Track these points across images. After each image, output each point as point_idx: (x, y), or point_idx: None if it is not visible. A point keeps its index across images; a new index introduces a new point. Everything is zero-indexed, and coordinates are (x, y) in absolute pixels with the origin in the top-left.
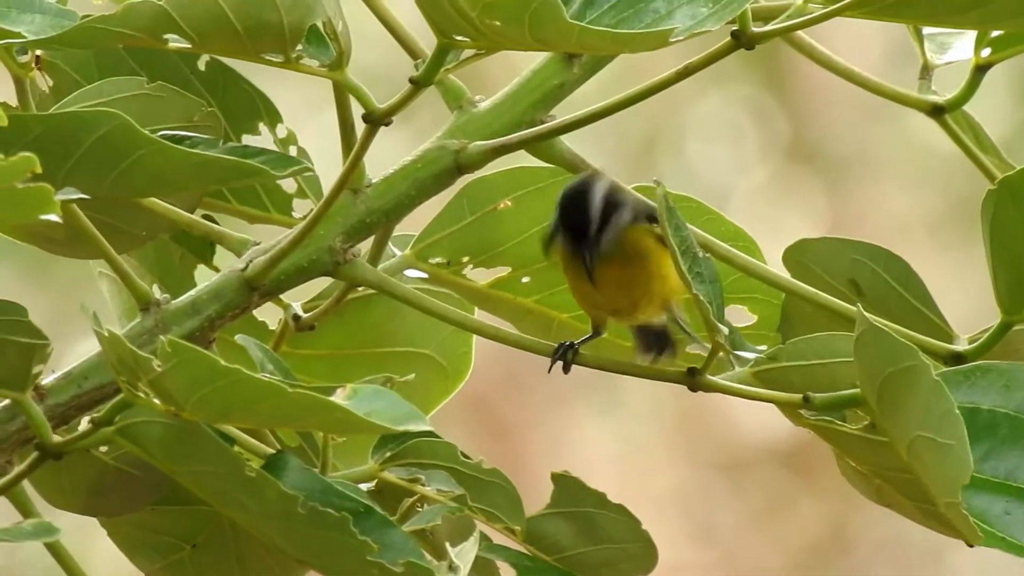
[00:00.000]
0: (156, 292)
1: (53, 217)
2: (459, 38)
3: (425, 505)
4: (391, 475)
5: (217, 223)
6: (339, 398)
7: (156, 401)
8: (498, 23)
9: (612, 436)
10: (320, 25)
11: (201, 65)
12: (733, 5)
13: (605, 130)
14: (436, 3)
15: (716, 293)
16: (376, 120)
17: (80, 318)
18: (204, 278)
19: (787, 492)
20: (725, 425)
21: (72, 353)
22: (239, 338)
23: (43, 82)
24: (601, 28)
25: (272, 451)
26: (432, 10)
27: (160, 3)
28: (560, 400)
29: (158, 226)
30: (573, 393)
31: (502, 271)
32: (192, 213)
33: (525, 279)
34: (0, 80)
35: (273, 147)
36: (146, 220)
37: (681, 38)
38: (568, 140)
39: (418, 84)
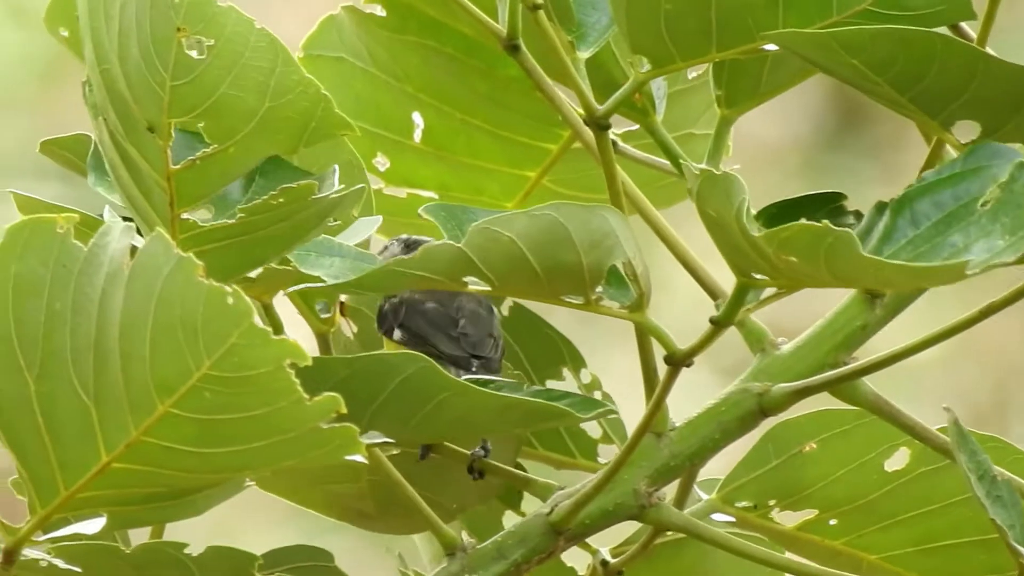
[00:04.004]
0: (464, 536)
1: (358, 458)
2: (757, 276)
3: None
4: None
5: (524, 468)
6: None
7: None
8: (794, 259)
9: None
10: (620, 266)
11: (504, 310)
12: None
13: (947, 390)
14: (733, 241)
15: (1017, 516)
16: (678, 361)
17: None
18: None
19: None
20: None
21: None
22: None
23: (348, 329)
24: (898, 262)
25: None
26: (729, 249)
27: (459, 246)
28: None
29: (472, 497)
30: None
31: (809, 514)
32: (512, 466)
33: (833, 521)
34: (303, 332)
35: (577, 391)
36: (459, 491)
37: (977, 271)
38: (904, 401)
39: (719, 324)
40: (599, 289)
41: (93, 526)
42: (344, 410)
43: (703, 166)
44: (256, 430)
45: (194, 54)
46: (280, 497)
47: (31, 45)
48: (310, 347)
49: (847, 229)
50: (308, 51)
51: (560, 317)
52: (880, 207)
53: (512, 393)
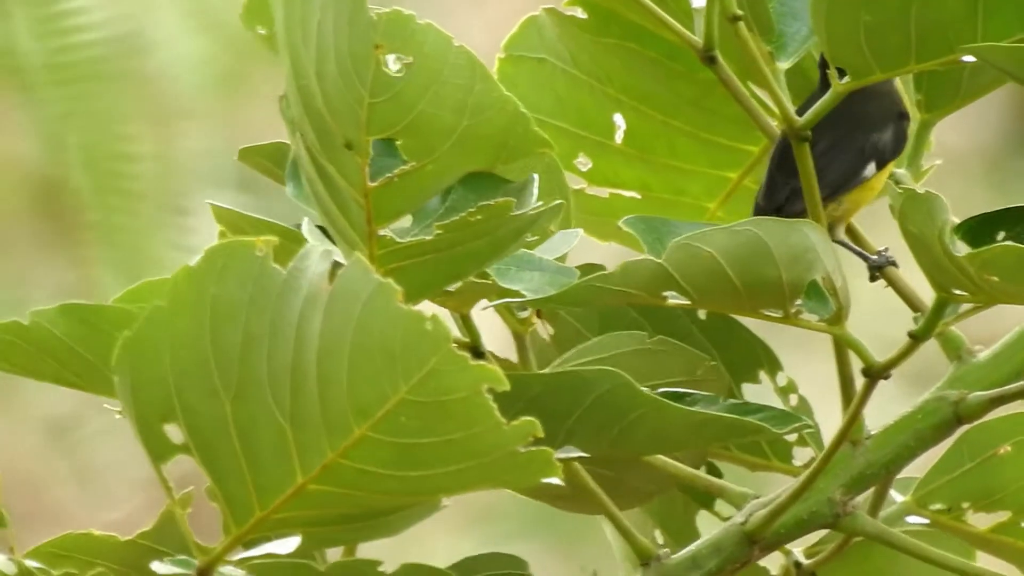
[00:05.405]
0: (658, 539)
1: (555, 480)
2: (957, 292)
3: None
4: None
5: (718, 470)
6: None
7: None
8: (996, 279)
9: None
10: (819, 280)
11: (702, 315)
12: None
13: None
14: (935, 260)
15: None
16: (875, 374)
17: None
18: (706, 524)
19: None
20: None
21: None
22: None
23: (544, 331)
24: None
25: None
26: (931, 265)
27: (659, 262)
28: None
29: (663, 482)
30: None
31: (1002, 515)
32: (698, 468)
33: None
34: (501, 333)
35: (773, 397)
36: (651, 475)
37: None
38: None
39: (917, 338)
40: (798, 303)
41: (287, 546)
42: (541, 434)
43: (906, 183)
44: (453, 454)
45: (392, 71)
46: None
47: (209, 51)
48: (508, 345)
49: None
50: (510, 51)
51: (748, 321)
52: None
53: (707, 409)
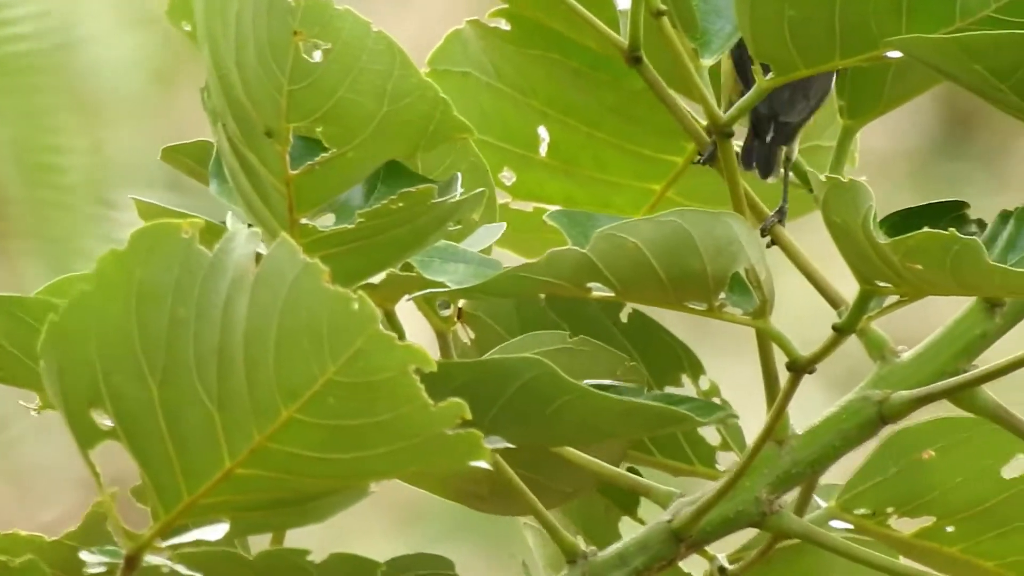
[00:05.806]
0: (581, 544)
1: (483, 464)
2: (881, 284)
3: None
4: None
5: (642, 476)
6: None
7: None
8: (920, 267)
9: None
10: (743, 273)
11: (623, 317)
12: None
13: None
14: (859, 249)
15: None
16: (800, 368)
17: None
18: (628, 530)
19: None
20: None
21: None
22: None
23: (464, 335)
24: (1022, 270)
25: None
26: (855, 256)
27: (584, 251)
28: None
29: (584, 482)
30: None
31: (926, 520)
32: (617, 466)
33: (950, 528)
34: (424, 333)
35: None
36: (572, 476)
37: None
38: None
39: (841, 331)
40: (722, 296)
41: (215, 532)
42: (469, 415)
43: (829, 174)
44: (380, 436)
45: (311, 58)
46: (396, 479)
47: (141, 47)
48: (430, 346)
49: (974, 237)
50: (434, 66)
51: (671, 325)
52: (1004, 216)
53: (633, 398)
